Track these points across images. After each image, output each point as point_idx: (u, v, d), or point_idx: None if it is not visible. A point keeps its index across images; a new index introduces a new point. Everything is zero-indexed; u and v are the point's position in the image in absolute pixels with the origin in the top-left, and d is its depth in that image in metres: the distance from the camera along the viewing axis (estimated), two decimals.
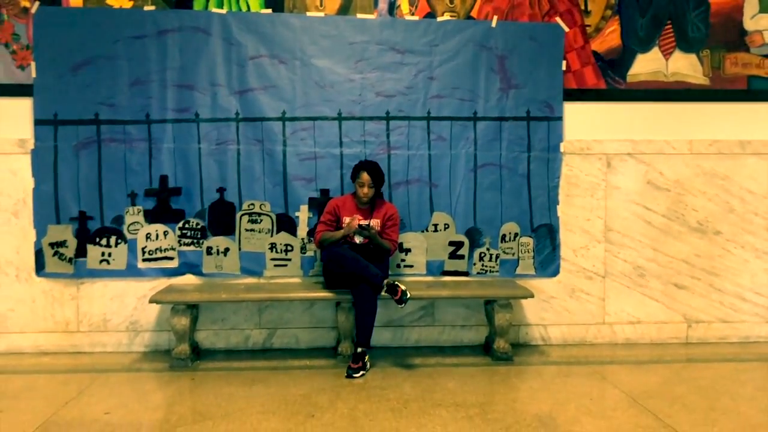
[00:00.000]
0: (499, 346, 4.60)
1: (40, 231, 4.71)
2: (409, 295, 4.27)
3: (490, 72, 4.89)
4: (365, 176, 4.46)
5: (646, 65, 5.00)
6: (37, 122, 4.67)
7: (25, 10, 4.68)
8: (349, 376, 4.20)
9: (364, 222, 4.49)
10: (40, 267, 4.73)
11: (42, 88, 4.66)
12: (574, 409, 3.68)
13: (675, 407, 3.68)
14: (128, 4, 4.74)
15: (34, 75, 4.66)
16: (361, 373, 4.23)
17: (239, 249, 4.83)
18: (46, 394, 3.92)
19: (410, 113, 4.88)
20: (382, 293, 4.28)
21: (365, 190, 4.47)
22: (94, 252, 4.73)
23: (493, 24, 4.88)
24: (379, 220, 4.55)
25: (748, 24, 5.03)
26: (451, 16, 4.89)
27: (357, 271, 4.30)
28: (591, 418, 3.53)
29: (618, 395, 3.90)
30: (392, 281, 4.30)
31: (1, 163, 4.69)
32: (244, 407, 3.68)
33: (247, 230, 4.82)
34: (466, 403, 3.75)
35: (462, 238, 4.93)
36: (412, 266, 4.93)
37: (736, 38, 5.03)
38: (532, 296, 4.58)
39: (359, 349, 4.30)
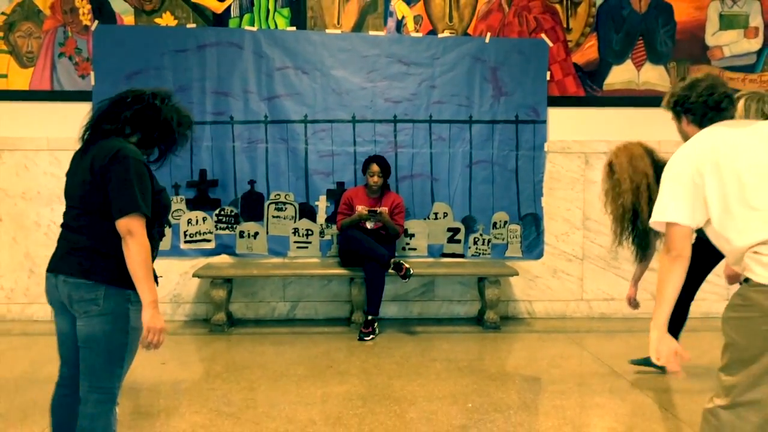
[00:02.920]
0: (489, 317, 5.37)
1: None
2: (412, 272, 5.04)
3: (483, 81, 5.64)
4: (374, 167, 5.24)
5: (620, 75, 5.74)
6: None
7: (86, 27, 5.48)
8: (361, 339, 4.98)
9: (374, 208, 5.26)
10: None
11: (100, 94, 5.38)
12: (546, 364, 4.46)
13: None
14: (173, 23, 5.53)
15: (93, 83, 5.46)
16: (371, 336, 5.01)
17: (267, 233, 5.61)
18: None
19: (414, 117, 5.64)
20: (389, 270, 5.06)
21: (375, 178, 5.24)
22: None
23: (487, 40, 5.63)
24: (387, 208, 5.32)
25: (710, 40, 5.76)
26: (450, 33, 5.65)
27: (368, 251, 5.08)
28: (559, 370, 4.31)
29: (586, 355, 4.67)
30: (398, 260, 5.09)
31: (66, 158, 5.45)
32: (274, 360, 4.49)
33: (273, 217, 5.61)
34: (457, 359, 4.54)
35: (459, 224, 5.70)
36: (415, 249, 5.70)
37: (699, 52, 5.77)
38: (517, 274, 5.36)
39: (369, 317, 5.09)
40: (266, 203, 5.59)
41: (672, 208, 2.13)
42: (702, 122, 2.37)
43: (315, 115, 5.58)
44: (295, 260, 5.64)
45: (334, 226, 5.46)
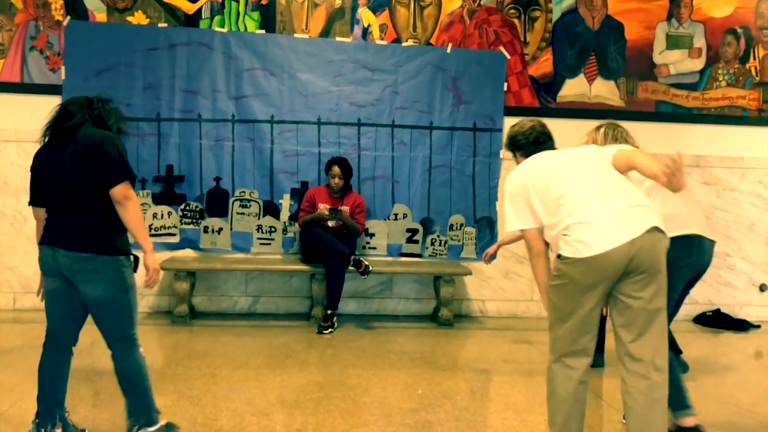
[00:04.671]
0: (443, 314, 5.61)
1: None
2: (371, 269, 5.27)
3: (444, 90, 5.90)
4: (336, 169, 5.45)
5: (573, 88, 6.07)
6: None
7: (58, 22, 5.58)
8: (320, 332, 5.18)
9: (335, 206, 5.46)
10: None
11: (70, 88, 5.53)
12: (494, 356, 4.72)
13: None
14: (145, 21, 5.66)
15: (63, 77, 5.56)
16: (330, 330, 5.21)
17: (231, 229, 5.77)
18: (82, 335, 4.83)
19: (378, 121, 5.87)
20: (349, 266, 5.27)
21: (336, 180, 5.45)
22: None
23: (448, 50, 5.90)
24: (348, 207, 5.53)
25: (657, 58, 6.13)
26: (413, 42, 5.90)
27: (329, 248, 5.28)
28: (507, 363, 4.57)
29: (532, 349, 4.94)
30: (358, 257, 5.31)
31: (34, 150, 5.53)
32: (235, 350, 4.66)
33: (238, 213, 5.77)
34: (411, 351, 4.77)
35: (417, 226, 5.95)
36: (375, 248, 5.92)
37: (647, 69, 6.13)
38: (470, 273, 5.63)
39: (329, 311, 5.28)
40: (231, 200, 5.75)
41: (515, 220, 2.82)
42: (528, 154, 3.01)
43: (281, 116, 5.76)
44: (257, 256, 5.80)
45: (297, 224, 5.65)
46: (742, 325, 5.98)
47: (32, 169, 2.85)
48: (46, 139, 2.82)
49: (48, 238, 2.75)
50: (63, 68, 5.56)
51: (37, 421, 2.85)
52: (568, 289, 2.62)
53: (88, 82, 5.55)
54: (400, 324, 5.66)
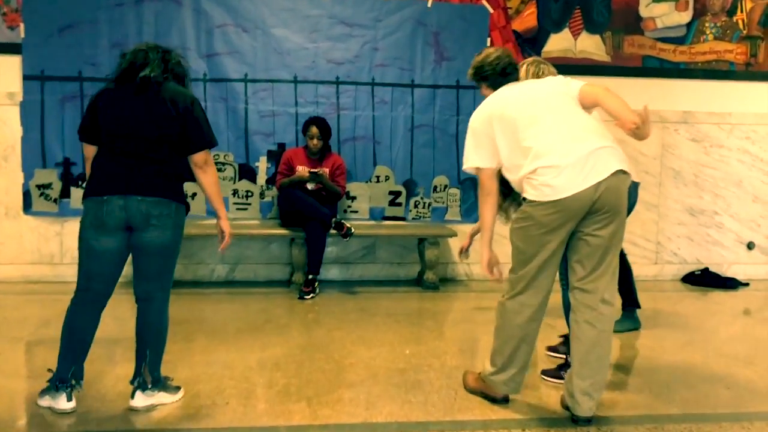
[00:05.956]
0: (428, 277, 5.45)
1: (28, 174, 5.32)
2: (353, 231, 5.07)
3: (426, 46, 5.68)
4: (314, 129, 5.22)
5: (557, 43, 5.87)
6: (26, 77, 5.26)
7: None
8: (301, 297, 4.98)
9: (315, 170, 5.24)
10: (27, 206, 5.34)
11: (30, 47, 5.24)
12: (482, 318, 4.56)
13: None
14: None
15: (23, 35, 5.23)
16: (311, 295, 5.01)
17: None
18: (47, 305, 4.60)
19: (357, 79, 5.63)
20: (331, 230, 5.07)
21: (314, 141, 5.23)
22: (76, 193, 5.36)
23: (429, 4, 5.66)
24: (327, 169, 5.31)
25: (644, 11, 5.95)
26: None
27: (310, 211, 5.07)
28: (493, 322, 4.40)
29: None
30: (339, 219, 5.11)
31: None
32: (213, 316, 4.46)
33: None
34: (396, 314, 4.60)
35: (400, 188, 5.75)
36: (357, 211, 5.72)
37: (633, 23, 5.94)
38: (455, 235, 5.45)
39: (310, 276, 5.09)
40: None
41: (474, 156, 2.83)
42: (495, 86, 2.92)
43: (255, 75, 5.50)
44: (234, 222, 5.56)
45: (275, 188, 5.42)
46: (731, 284, 5.90)
47: (95, 106, 2.78)
48: (113, 82, 2.80)
49: (116, 187, 2.69)
50: (22, 26, 5.23)
51: (67, 383, 2.76)
52: (532, 231, 2.67)
53: (50, 40, 5.24)
54: (384, 289, 5.48)
